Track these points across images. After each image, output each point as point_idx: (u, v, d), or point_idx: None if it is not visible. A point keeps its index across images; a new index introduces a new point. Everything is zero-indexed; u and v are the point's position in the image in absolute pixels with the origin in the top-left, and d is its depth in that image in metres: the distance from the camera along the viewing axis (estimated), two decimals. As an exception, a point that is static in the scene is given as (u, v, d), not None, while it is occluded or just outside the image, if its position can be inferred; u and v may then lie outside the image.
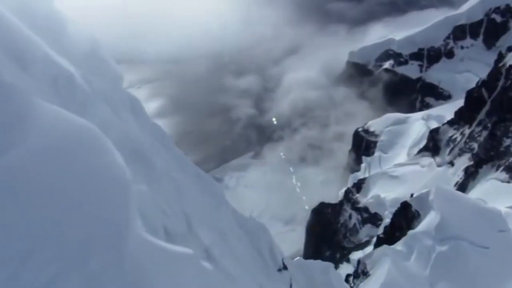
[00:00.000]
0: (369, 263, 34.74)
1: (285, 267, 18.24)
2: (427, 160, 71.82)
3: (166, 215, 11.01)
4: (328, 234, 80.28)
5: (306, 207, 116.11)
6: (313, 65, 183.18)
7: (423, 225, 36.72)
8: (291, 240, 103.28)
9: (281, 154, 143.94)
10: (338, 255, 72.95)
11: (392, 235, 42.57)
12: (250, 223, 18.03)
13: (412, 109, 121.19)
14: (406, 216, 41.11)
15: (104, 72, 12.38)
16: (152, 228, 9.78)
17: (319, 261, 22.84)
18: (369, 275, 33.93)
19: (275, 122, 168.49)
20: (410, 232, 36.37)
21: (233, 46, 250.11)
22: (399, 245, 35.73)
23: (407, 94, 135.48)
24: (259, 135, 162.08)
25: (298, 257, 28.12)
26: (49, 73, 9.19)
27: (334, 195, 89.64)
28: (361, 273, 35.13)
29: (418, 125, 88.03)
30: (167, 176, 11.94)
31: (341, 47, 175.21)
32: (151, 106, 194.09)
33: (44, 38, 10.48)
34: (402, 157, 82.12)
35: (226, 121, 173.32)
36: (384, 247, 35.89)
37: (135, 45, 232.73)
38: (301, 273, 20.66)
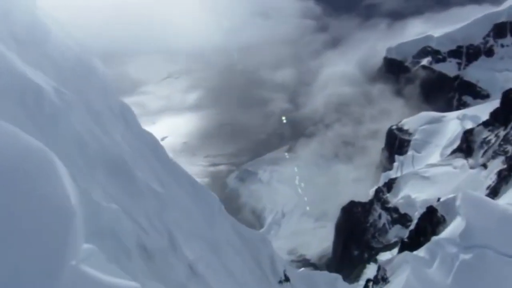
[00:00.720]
0: (389, 269, 33.93)
1: (287, 279, 17.73)
2: (460, 161, 70.25)
3: (145, 232, 10.61)
4: (357, 233, 79.45)
5: (303, 208, 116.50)
6: (350, 60, 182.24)
7: (447, 232, 35.67)
8: (321, 236, 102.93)
9: (314, 149, 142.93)
10: (366, 255, 72.11)
11: (417, 240, 41.68)
12: (251, 234, 17.56)
13: (449, 107, 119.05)
14: (431, 221, 40.17)
15: (91, 80, 12.02)
16: (122, 249, 9.40)
17: (325, 273, 22.28)
18: (388, 282, 33.16)
19: (284, 121, 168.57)
20: (434, 238, 35.37)
21: (272, 38, 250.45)
22: (421, 251, 34.80)
23: (444, 92, 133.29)
24: (293, 130, 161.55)
25: (302, 268, 27.51)
26: (16, 87, 8.88)
27: (365, 193, 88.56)
28: (380, 279, 34.38)
29: (453, 124, 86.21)
30: (150, 189, 11.52)
31: (380, 42, 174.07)
32: (189, 98, 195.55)
33: (23, 49, 10.16)
34: (435, 157, 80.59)
35: (261, 115, 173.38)
36: (405, 253, 35.02)
37: (173, 35, 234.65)
38: (305, 285, 20.14)
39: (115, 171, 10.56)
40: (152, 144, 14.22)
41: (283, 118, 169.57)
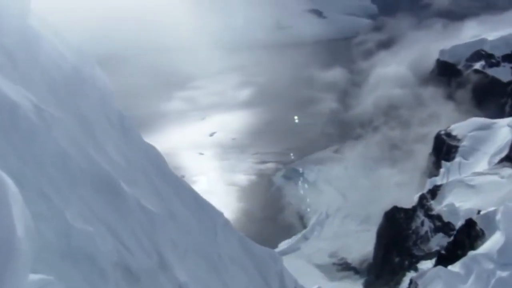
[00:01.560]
0: (421, 284, 33.03)
1: (297, 298, 17.18)
2: (508, 171, 68.30)
3: (130, 252, 10.23)
4: (399, 239, 78.12)
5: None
6: (403, 61, 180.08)
7: (485, 247, 34.51)
8: (364, 240, 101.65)
9: (361, 152, 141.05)
10: (406, 262, 70.88)
11: (454, 253, 40.48)
12: (260, 250, 16.98)
13: (501, 114, 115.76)
14: (469, 235, 38.91)
15: (86, 89, 11.66)
16: (98, 271, 9.07)
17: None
18: (419, 296, 32.30)
19: (296, 121, 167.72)
20: (470, 253, 34.26)
21: (325, 36, 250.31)
22: (456, 266, 33.75)
23: (497, 97, 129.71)
24: (341, 131, 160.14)
25: (317, 286, 26.81)
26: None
27: (410, 198, 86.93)
28: (412, 293, 33.54)
29: (503, 132, 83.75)
30: (141, 206, 11.14)
31: (434, 43, 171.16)
32: (241, 94, 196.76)
33: (9, 57, 9.90)
34: (483, 165, 78.50)
35: (310, 114, 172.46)
36: (438, 268, 34.11)
37: (227, 30, 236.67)
38: (317, 304, 19.52)
39: (101, 188, 10.22)
40: (153, 157, 13.80)
41: (295, 117, 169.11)
